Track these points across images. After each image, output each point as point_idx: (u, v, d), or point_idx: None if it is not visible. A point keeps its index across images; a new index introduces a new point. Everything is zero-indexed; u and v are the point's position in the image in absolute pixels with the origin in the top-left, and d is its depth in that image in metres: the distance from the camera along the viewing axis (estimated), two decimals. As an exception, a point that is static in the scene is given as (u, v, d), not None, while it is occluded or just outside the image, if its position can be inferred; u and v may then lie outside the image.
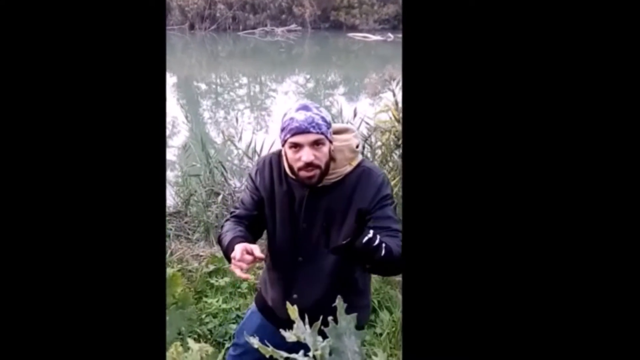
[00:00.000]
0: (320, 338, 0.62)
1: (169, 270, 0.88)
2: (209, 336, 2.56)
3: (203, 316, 2.70)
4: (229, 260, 1.37)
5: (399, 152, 3.71)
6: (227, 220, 1.54)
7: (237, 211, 1.53)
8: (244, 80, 14.11)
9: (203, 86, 13.32)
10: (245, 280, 1.33)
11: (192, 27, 22.09)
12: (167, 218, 3.89)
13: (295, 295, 1.48)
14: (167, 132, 7.35)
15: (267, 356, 0.68)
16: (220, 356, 0.75)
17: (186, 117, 8.16)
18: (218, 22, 22.05)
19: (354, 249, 1.22)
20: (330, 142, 1.41)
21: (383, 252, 1.24)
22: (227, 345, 2.39)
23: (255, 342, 0.64)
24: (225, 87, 13.37)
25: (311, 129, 1.35)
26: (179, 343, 0.69)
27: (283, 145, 1.42)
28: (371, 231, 1.24)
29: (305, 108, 1.39)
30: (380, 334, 2.56)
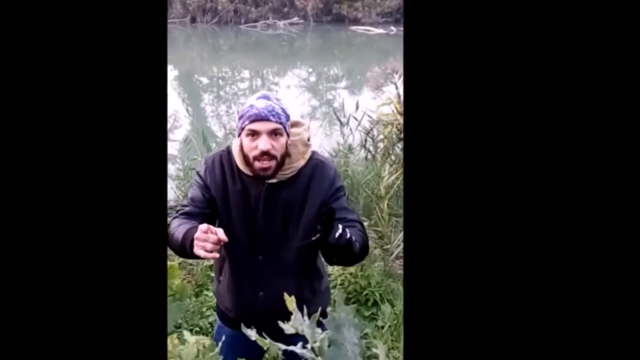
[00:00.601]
0: (319, 330, 0.60)
1: (168, 263, 0.86)
2: (210, 329, 2.56)
3: (204, 309, 2.69)
4: (184, 254, 1.33)
5: (401, 145, 3.70)
6: (174, 217, 1.43)
7: (187, 209, 1.44)
8: (246, 73, 14.07)
9: (205, 80, 13.30)
10: (212, 259, 1.26)
11: (193, 20, 22.04)
12: (168, 211, 3.88)
13: (261, 293, 1.46)
14: (169, 126, 7.35)
15: (265, 348, 0.67)
16: (217, 349, 0.74)
17: (187, 111, 8.16)
18: (220, 15, 21.99)
19: (326, 244, 1.23)
20: (288, 135, 1.39)
21: (357, 245, 1.25)
22: (228, 338, 2.39)
23: (252, 334, 0.63)
24: (227, 81, 13.34)
25: (271, 117, 1.34)
26: (175, 336, 0.68)
27: (239, 135, 1.39)
28: (340, 226, 1.24)
29: (265, 97, 1.38)
30: (382, 327, 2.56)
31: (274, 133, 1.35)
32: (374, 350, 0.59)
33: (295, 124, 1.46)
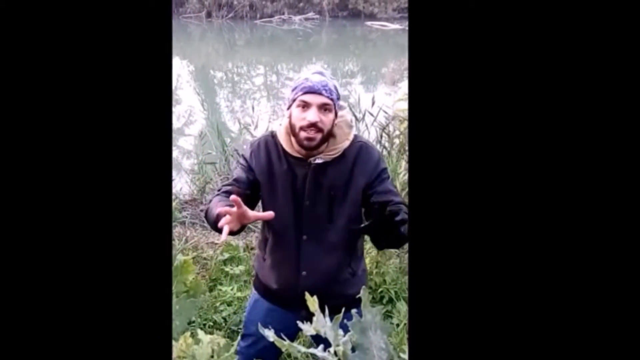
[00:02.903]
0: (341, 332, 0.57)
1: (181, 258, 0.83)
2: (223, 324, 2.54)
3: (217, 304, 2.68)
4: (217, 229, 1.29)
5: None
6: (216, 195, 1.44)
7: (230, 187, 1.45)
8: (261, 69, 14.06)
9: (220, 74, 13.32)
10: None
11: (209, 15, 22.08)
12: (182, 206, 3.88)
13: (304, 272, 1.48)
14: (184, 121, 7.37)
15: (284, 350, 0.63)
16: (233, 349, 0.71)
17: (202, 106, 8.17)
18: (235, 10, 22.01)
19: (383, 229, 1.18)
20: (336, 113, 1.43)
21: (401, 216, 1.20)
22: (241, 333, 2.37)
23: (270, 334, 0.59)
24: (242, 76, 13.34)
25: (323, 91, 1.38)
26: (188, 334, 0.65)
27: (289, 107, 1.42)
28: (403, 207, 1.25)
29: (320, 73, 1.42)
30: (398, 325, 2.52)
31: (323, 107, 1.38)
32: (401, 355, 0.56)
33: (340, 108, 1.48)
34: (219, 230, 1.29)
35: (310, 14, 22.45)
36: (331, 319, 0.62)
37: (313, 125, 1.36)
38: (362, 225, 1.21)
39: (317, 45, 18.89)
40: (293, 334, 1.59)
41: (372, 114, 4.25)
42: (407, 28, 0.66)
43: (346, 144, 1.45)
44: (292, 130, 1.41)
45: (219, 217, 1.25)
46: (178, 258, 0.83)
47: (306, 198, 1.44)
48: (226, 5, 22.05)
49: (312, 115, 1.36)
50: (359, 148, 1.46)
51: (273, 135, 1.51)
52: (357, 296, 0.64)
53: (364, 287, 0.58)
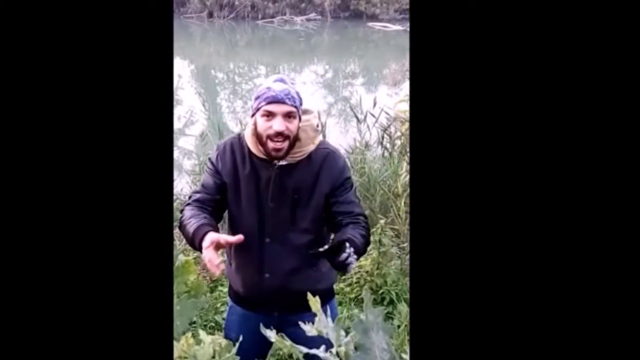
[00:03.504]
0: (343, 333, 0.57)
1: (182, 258, 0.83)
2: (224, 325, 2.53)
3: (218, 305, 2.67)
4: (194, 247, 1.39)
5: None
6: (187, 204, 1.50)
7: (199, 195, 1.50)
8: (262, 69, 14.06)
9: (221, 75, 13.32)
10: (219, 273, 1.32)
11: (210, 15, 22.08)
12: (183, 206, 3.87)
13: (267, 275, 1.50)
14: (185, 121, 7.37)
15: (285, 350, 0.63)
16: (235, 350, 0.71)
17: (204, 106, 8.16)
18: (237, 10, 22.01)
19: (330, 258, 1.26)
20: (300, 118, 1.45)
21: (351, 260, 1.25)
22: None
23: (272, 335, 0.59)
24: (244, 76, 13.34)
25: (287, 100, 1.39)
26: (190, 334, 0.65)
27: (254, 115, 1.44)
28: (347, 251, 1.25)
29: (282, 80, 1.43)
30: (399, 326, 2.52)
31: (288, 115, 1.40)
32: (403, 356, 0.55)
33: (305, 111, 1.51)
34: (196, 249, 1.39)
35: (312, 15, 22.45)
36: (305, 315, 0.62)
37: (280, 134, 1.38)
38: (320, 249, 1.26)
39: (319, 46, 18.89)
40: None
41: (373, 115, 4.25)
42: (408, 29, 0.66)
43: (311, 147, 1.47)
44: (259, 140, 1.43)
45: (195, 235, 1.35)
46: (179, 258, 0.82)
47: (270, 200, 1.45)
48: (227, 6, 22.06)
49: (278, 124, 1.38)
50: (326, 154, 1.48)
51: (239, 137, 1.52)
52: (327, 289, 0.64)
53: (365, 288, 0.58)
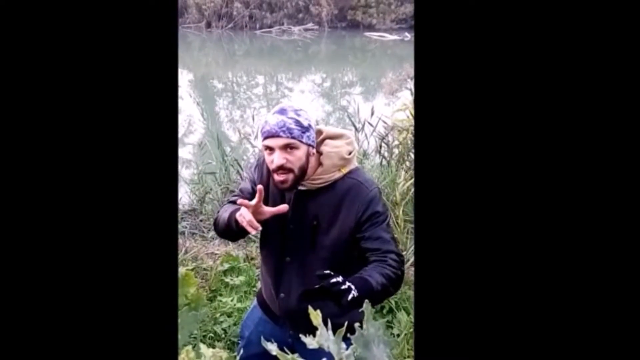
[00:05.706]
0: (344, 345, 0.57)
1: (182, 270, 0.83)
2: (224, 336, 2.53)
3: (217, 315, 2.67)
4: (229, 234, 1.47)
5: (417, 151, 3.64)
6: (224, 205, 1.57)
7: (235, 197, 1.52)
8: (261, 79, 14.11)
9: (219, 84, 13.36)
10: (256, 230, 1.36)
11: (208, 25, 22.19)
12: (182, 216, 3.88)
13: (282, 295, 1.51)
14: (183, 130, 7.38)
15: (286, 363, 0.63)
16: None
17: (202, 115, 8.19)
18: (235, 20, 22.13)
19: (325, 290, 1.21)
20: (310, 145, 1.40)
21: (349, 297, 1.19)
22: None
23: (273, 348, 0.59)
24: (242, 86, 13.39)
25: (281, 133, 1.35)
26: (190, 348, 0.65)
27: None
28: (340, 277, 1.21)
29: (281, 112, 1.39)
30: (398, 335, 2.51)
31: (287, 147, 1.36)
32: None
33: (338, 137, 1.47)
34: (232, 235, 1.47)
35: (310, 25, 22.57)
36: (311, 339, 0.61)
37: (280, 168, 1.37)
38: (308, 289, 1.23)
39: (316, 55, 18.98)
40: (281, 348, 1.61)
41: (371, 124, 4.27)
42: (405, 39, 0.66)
43: (336, 175, 1.42)
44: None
45: (231, 217, 1.40)
46: (178, 270, 0.82)
47: (289, 222, 1.46)
48: (226, 16, 22.18)
49: (277, 158, 1.36)
50: (352, 185, 1.42)
51: None
52: (346, 324, 0.62)
53: (366, 301, 0.58)
